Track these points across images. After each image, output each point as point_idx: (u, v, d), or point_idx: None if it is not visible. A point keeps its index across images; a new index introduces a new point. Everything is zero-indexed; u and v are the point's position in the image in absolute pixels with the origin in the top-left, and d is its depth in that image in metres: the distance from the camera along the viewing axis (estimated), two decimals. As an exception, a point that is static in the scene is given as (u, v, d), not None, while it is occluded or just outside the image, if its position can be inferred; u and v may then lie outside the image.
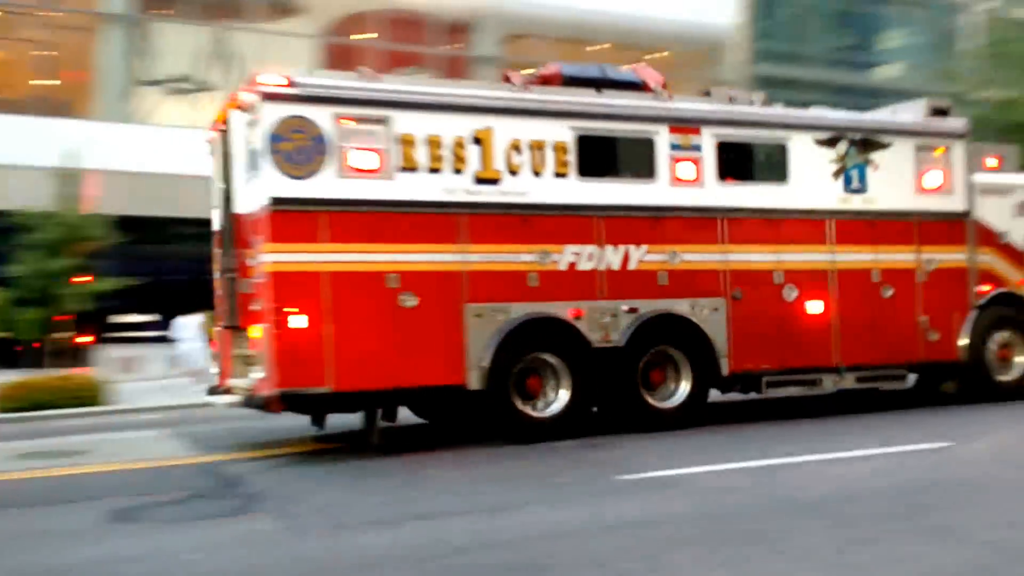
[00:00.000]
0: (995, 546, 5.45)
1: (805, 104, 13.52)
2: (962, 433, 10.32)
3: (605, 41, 30.83)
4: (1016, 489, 7.42)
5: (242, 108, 9.77)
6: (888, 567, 5.02)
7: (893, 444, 9.37)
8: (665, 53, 32.41)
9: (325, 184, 9.62)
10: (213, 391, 11.34)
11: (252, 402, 9.91)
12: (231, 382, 10.81)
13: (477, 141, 10.28)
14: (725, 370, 11.35)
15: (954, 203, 13.13)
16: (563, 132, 10.74)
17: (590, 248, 10.81)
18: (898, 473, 8.13)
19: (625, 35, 30.48)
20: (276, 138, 9.39)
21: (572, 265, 10.72)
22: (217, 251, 11.08)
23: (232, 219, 10.64)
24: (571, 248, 10.73)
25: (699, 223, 11.49)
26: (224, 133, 10.65)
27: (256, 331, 9.63)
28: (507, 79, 11.19)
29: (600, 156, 11.06)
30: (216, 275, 11.19)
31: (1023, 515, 6.34)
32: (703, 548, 5.54)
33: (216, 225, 11.14)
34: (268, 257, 9.44)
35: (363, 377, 9.66)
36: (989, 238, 13.44)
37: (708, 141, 11.48)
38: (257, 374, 9.56)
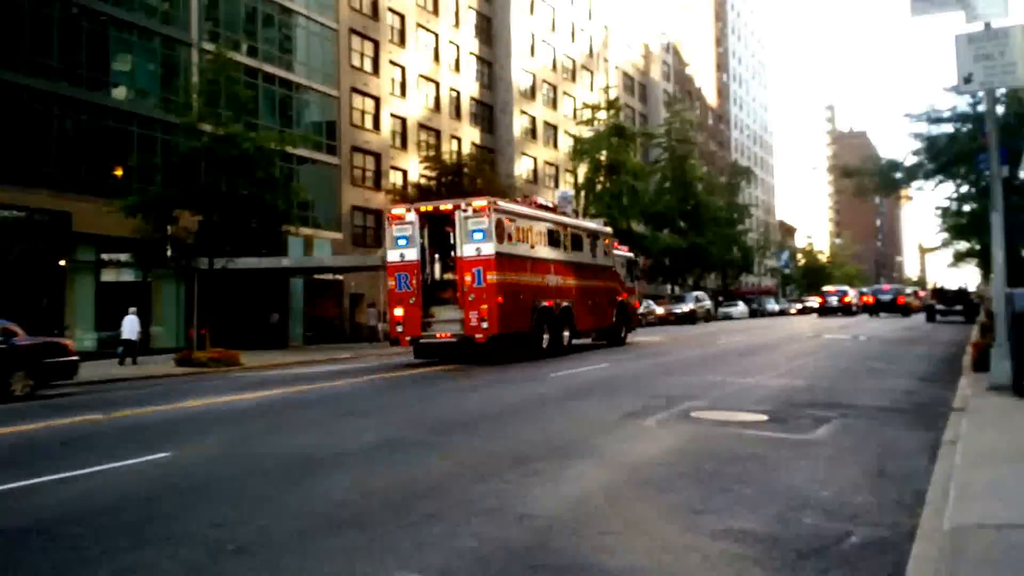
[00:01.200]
0: (208, 546, 5.94)
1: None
2: (182, 441, 11.02)
3: None
4: (223, 491, 7.90)
5: (464, 211, 22.26)
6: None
7: (118, 459, 9.50)
8: None
9: (505, 247, 22.57)
10: (395, 342, 24.66)
11: (465, 339, 22.34)
12: (425, 331, 23.05)
13: (530, 229, 24.30)
14: (576, 330, 26.87)
15: (610, 262, 30.71)
16: (545, 227, 25.47)
17: (552, 276, 25.37)
18: (123, 487, 8.22)
19: None
20: (499, 226, 22.28)
21: (550, 283, 25.12)
22: (416, 270, 22.84)
23: (432, 257, 23.58)
24: (549, 276, 25.21)
25: (568, 267, 26.64)
26: (427, 218, 23.19)
27: (484, 306, 21.81)
28: (531, 201, 28.37)
29: (551, 238, 25.76)
30: (406, 281, 22.90)
31: (229, 514, 6.86)
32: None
33: (409, 257, 22.88)
34: (493, 276, 21.96)
35: (514, 327, 22.91)
36: (617, 277, 31.45)
37: (568, 232, 27.17)
38: (483, 324, 21.83)
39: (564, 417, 12.20)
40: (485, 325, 21.81)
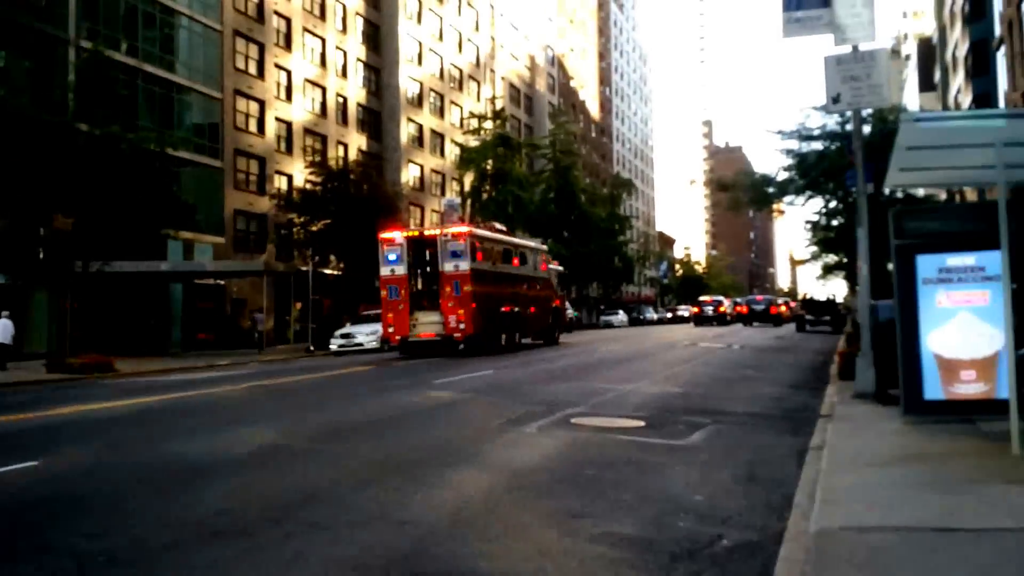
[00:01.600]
0: (77, 557, 5.78)
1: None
2: (52, 448, 10.79)
3: None
4: (95, 500, 7.67)
5: (445, 236, 27.97)
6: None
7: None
8: None
9: (476, 264, 28.13)
10: (386, 341, 30.94)
11: (446, 338, 27.98)
12: (412, 332, 28.27)
13: (492, 249, 30.12)
14: (525, 331, 32.89)
15: (545, 275, 36.40)
16: (501, 247, 31.33)
17: (509, 287, 31.11)
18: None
19: None
20: (472, 248, 28.00)
21: (507, 293, 30.77)
22: (404, 282, 28.32)
23: (416, 272, 29.35)
24: (507, 287, 31.02)
25: (519, 280, 32.52)
26: (413, 241, 29.07)
27: (461, 311, 27.46)
28: (491, 226, 34.74)
29: (506, 256, 31.57)
30: (396, 291, 28.39)
31: (101, 524, 6.71)
32: None
33: (398, 272, 28.47)
34: (468, 288, 27.57)
35: (483, 328, 28.41)
36: (552, 286, 37.78)
37: (517, 250, 33.01)
38: (461, 326, 27.57)
39: (449, 423, 12.22)
40: (462, 327, 27.56)
